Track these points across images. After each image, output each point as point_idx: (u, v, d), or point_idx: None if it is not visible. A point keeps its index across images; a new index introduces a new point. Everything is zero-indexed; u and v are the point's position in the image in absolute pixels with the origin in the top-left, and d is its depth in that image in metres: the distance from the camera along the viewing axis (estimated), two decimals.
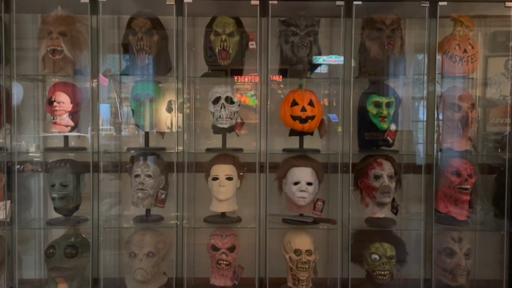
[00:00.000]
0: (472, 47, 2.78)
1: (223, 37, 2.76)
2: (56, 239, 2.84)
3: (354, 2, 2.66)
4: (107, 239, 2.96)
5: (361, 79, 2.88)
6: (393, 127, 2.80)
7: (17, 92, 2.81)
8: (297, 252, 2.71)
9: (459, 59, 2.76)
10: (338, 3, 2.69)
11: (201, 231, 2.95)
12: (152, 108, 2.78)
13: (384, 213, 2.81)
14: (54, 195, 2.75)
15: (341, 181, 2.81)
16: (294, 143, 2.91)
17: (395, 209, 2.84)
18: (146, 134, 2.88)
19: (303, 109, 2.72)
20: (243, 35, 2.83)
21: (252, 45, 2.85)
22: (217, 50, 2.77)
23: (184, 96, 2.89)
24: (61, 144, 2.92)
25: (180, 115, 2.88)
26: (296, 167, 2.77)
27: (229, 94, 2.79)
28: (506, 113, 2.90)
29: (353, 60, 2.81)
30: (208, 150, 2.96)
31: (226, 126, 2.80)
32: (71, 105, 2.77)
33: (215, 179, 2.79)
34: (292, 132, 2.85)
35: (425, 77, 2.84)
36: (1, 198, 2.77)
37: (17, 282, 2.80)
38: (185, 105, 2.93)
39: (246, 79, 3.00)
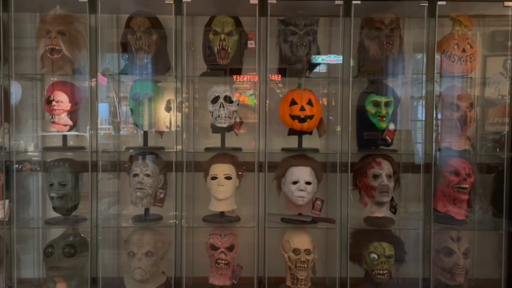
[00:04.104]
0: (471, 47, 2.78)
1: (222, 36, 2.76)
2: (55, 238, 2.84)
3: (353, 2, 2.66)
4: (105, 239, 2.96)
5: (360, 78, 2.88)
6: (392, 126, 2.80)
7: (16, 91, 2.81)
8: (296, 251, 2.71)
9: (458, 58, 2.76)
10: (336, 2, 2.69)
11: (200, 230, 2.95)
12: (151, 108, 2.78)
13: (383, 212, 2.81)
14: (53, 194, 2.75)
15: (339, 180, 2.81)
16: (293, 142, 2.91)
17: (393, 208, 2.83)
18: (145, 133, 2.88)
19: (302, 108, 2.72)
20: (241, 34, 2.83)
21: (251, 44, 2.85)
22: (216, 49, 2.77)
23: (183, 95, 2.89)
24: (60, 143, 2.92)
25: (179, 114, 2.88)
26: (295, 166, 2.77)
27: (228, 93, 2.79)
28: (504, 112, 2.91)
29: (351, 59, 2.80)
30: (207, 149, 2.96)
31: (225, 125, 2.80)
32: (70, 105, 2.76)
33: (214, 178, 2.79)
34: (291, 132, 2.85)
35: (424, 77, 2.84)
36: (0, 198, 2.77)
37: (16, 282, 2.80)
38: (184, 105, 2.93)
39: (245, 78, 3.00)
